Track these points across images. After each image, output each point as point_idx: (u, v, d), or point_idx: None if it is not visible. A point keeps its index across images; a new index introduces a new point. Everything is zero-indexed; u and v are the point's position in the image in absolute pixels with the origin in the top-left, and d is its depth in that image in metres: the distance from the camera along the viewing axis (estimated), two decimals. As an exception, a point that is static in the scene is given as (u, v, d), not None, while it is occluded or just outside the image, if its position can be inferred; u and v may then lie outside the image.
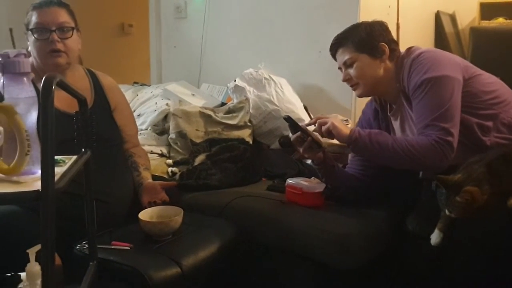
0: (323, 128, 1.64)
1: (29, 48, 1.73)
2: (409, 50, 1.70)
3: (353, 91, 1.78)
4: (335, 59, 1.78)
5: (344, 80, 1.75)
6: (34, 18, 1.69)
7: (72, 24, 1.73)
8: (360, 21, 1.79)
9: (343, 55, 1.71)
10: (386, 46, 1.69)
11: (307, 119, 2.48)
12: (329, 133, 1.64)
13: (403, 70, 1.64)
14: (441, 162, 1.49)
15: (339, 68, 1.76)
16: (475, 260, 1.34)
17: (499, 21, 3.85)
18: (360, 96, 1.76)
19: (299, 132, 1.69)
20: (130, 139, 1.94)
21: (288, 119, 1.74)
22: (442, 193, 1.36)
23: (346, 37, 1.72)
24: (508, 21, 3.88)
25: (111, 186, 1.69)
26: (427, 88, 1.54)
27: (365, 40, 1.68)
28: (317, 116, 1.71)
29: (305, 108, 2.59)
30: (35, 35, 1.68)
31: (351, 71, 1.70)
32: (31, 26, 1.70)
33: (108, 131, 1.80)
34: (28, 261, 0.99)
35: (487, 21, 3.89)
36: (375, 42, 1.68)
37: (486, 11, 3.91)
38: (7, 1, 3.34)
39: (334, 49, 1.75)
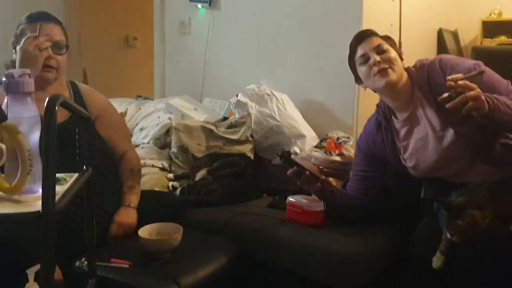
0: (470, 97, 1.36)
1: (14, 57, 1.66)
2: (420, 60, 1.71)
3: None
4: (359, 45, 1.70)
5: (375, 62, 1.63)
6: (29, 32, 1.64)
7: (66, 42, 1.73)
8: None
9: (377, 41, 1.68)
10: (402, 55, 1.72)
11: (308, 135, 2.49)
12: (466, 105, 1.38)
13: (426, 72, 1.64)
14: None
15: (362, 55, 1.68)
16: (476, 284, 1.33)
17: (501, 40, 3.87)
18: (391, 81, 1.63)
19: (295, 167, 1.69)
20: (115, 149, 1.88)
21: (282, 155, 1.75)
22: (443, 215, 1.36)
23: (377, 32, 1.73)
24: (510, 39, 3.90)
25: (105, 199, 1.68)
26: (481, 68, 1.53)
27: (392, 39, 1.72)
28: (463, 80, 1.40)
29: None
30: None
31: (384, 55, 1.65)
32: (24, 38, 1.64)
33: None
34: (27, 281, 0.99)
35: (489, 39, 3.90)
36: (398, 46, 1.73)
37: (488, 29, 3.94)
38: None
39: (367, 35, 1.70)
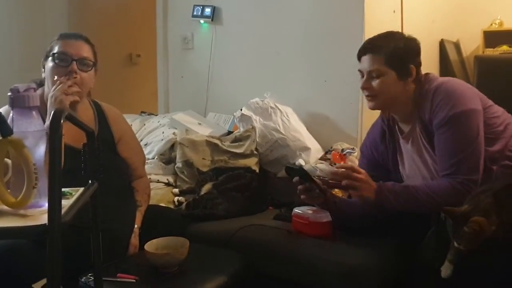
0: (350, 191, 1.62)
1: (43, 75, 1.76)
2: (427, 76, 1.66)
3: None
4: (359, 60, 1.68)
5: (363, 87, 1.66)
6: (58, 46, 1.72)
7: (93, 60, 1.76)
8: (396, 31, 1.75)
9: (371, 63, 1.62)
10: (415, 69, 1.64)
11: (313, 147, 2.48)
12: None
13: (425, 101, 1.61)
14: (464, 198, 1.45)
15: (359, 70, 1.67)
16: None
17: (503, 49, 3.87)
18: (372, 108, 1.70)
19: (307, 183, 1.67)
20: (134, 172, 1.95)
21: (300, 169, 1.73)
22: (450, 223, 1.35)
23: (381, 45, 1.62)
24: (512, 48, 3.89)
25: (114, 214, 1.69)
26: (455, 125, 1.53)
27: (399, 55, 1.61)
28: (347, 169, 1.61)
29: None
30: (56, 61, 1.70)
31: (374, 82, 1.63)
32: (53, 52, 1.72)
33: (110, 162, 1.78)
34: (34, 295, 0.99)
35: (491, 49, 3.91)
36: (407, 62, 1.62)
37: (490, 39, 3.94)
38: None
39: (363, 52, 1.65)
